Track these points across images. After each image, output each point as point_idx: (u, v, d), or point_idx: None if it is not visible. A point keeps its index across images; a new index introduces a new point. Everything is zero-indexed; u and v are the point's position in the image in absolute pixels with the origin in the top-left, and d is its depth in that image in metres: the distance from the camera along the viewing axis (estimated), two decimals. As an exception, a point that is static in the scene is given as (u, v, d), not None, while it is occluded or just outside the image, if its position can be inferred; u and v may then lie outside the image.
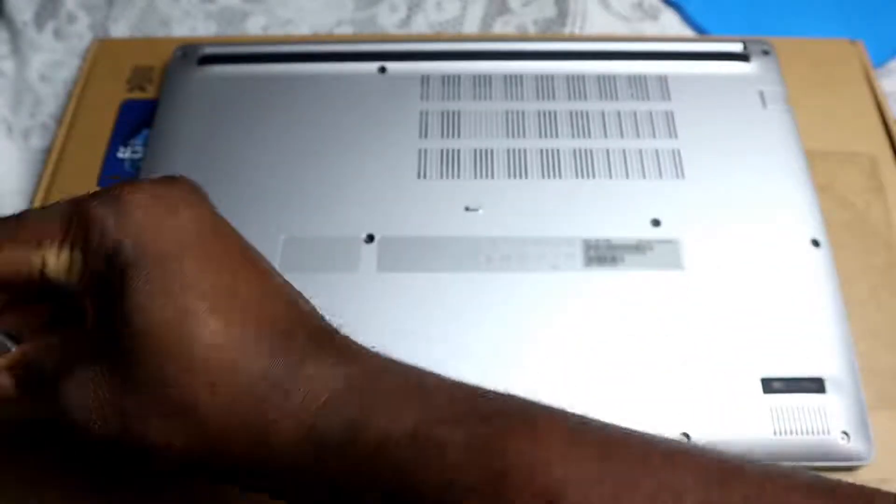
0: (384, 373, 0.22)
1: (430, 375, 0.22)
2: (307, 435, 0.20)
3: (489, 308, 0.34)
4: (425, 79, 0.41)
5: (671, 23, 0.50)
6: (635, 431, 0.20)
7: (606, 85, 0.41)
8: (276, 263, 0.35)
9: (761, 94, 0.40)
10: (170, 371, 0.20)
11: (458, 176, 0.38)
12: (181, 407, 0.20)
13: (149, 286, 0.20)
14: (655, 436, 0.20)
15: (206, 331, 0.20)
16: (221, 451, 0.20)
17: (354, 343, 0.23)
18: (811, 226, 0.36)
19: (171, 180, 0.23)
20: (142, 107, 0.42)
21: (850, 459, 0.31)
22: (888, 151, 0.40)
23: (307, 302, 0.23)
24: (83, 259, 0.21)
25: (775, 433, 0.31)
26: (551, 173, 0.38)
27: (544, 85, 0.41)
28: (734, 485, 0.18)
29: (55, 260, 0.21)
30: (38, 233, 0.22)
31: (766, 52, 0.42)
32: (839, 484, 0.19)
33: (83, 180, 0.40)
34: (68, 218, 0.21)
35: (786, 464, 0.31)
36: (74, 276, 0.22)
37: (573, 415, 0.21)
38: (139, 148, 0.41)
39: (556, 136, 0.39)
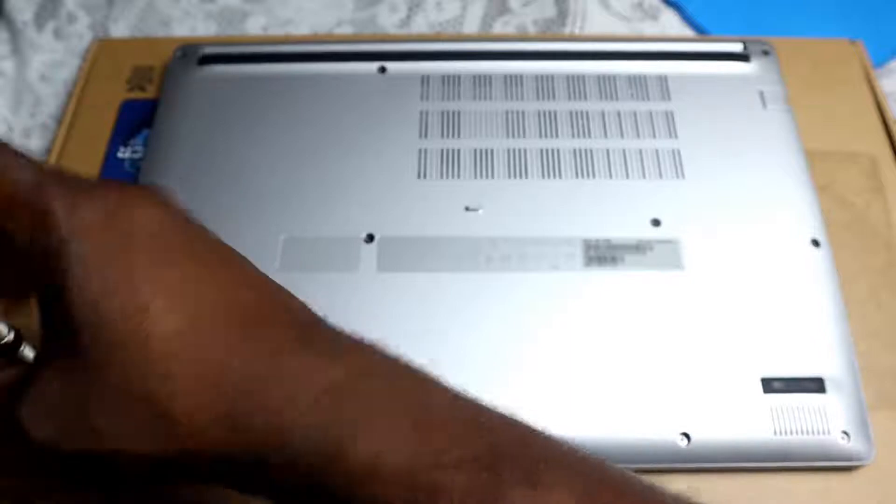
0: (374, 378, 0.20)
1: (423, 382, 0.20)
2: (282, 443, 0.18)
3: (489, 308, 0.34)
4: (425, 79, 0.41)
5: (671, 23, 0.50)
6: (633, 478, 0.19)
7: (606, 85, 0.41)
8: (276, 263, 0.35)
9: (761, 94, 0.40)
10: (122, 363, 0.18)
11: (458, 176, 0.38)
12: (147, 407, 0.18)
13: (95, 283, 0.19)
14: (654, 487, 0.19)
15: (163, 324, 0.19)
16: (196, 451, 0.19)
17: (342, 335, 0.21)
18: (811, 226, 0.36)
19: (133, 184, 0.21)
20: (142, 107, 0.42)
21: (850, 459, 0.31)
22: (888, 151, 0.40)
23: (288, 294, 0.21)
24: (30, 246, 0.20)
25: (775, 433, 0.31)
26: (551, 173, 0.38)
27: (544, 85, 0.41)
28: None
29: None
30: None
31: (766, 53, 0.42)
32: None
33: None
34: (21, 197, 0.20)
35: (783, 464, 0.31)
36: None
37: (575, 457, 0.20)
38: (139, 148, 0.41)
39: (556, 136, 0.39)
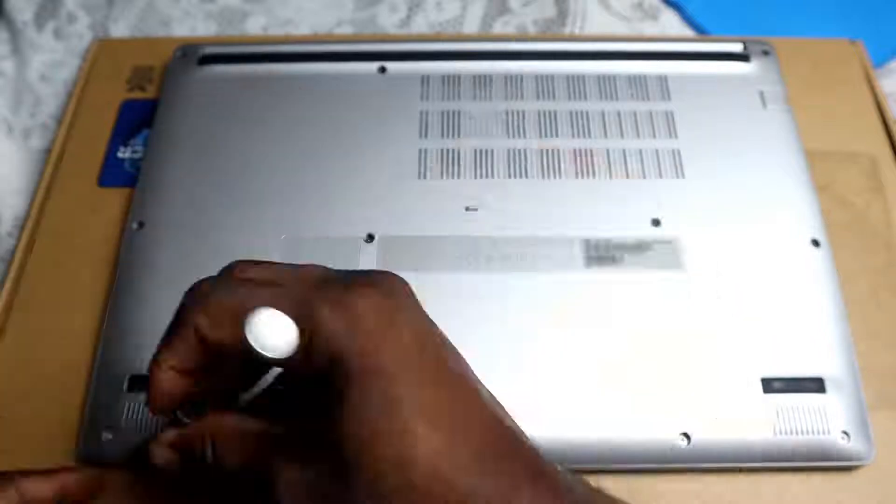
0: None
1: None
2: None
3: (489, 308, 0.34)
4: (425, 79, 0.41)
5: (671, 23, 0.50)
6: None
7: (606, 85, 0.41)
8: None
9: (761, 94, 0.40)
10: (390, 485, 0.20)
11: (458, 176, 0.38)
12: None
13: (369, 400, 0.20)
14: None
15: (427, 447, 0.20)
16: None
17: (566, 476, 0.22)
18: (811, 226, 0.36)
19: (390, 283, 0.23)
20: (142, 107, 0.42)
21: (850, 459, 0.31)
22: (888, 151, 0.40)
23: (514, 422, 0.23)
24: (303, 357, 0.21)
25: (775, 433, 0.31)
26: (551, 173, 0.38)
27: (544, 85, 0.41)
28: None
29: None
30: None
31: (766, 53, 0.42)
32: None
33: (83, 180, 0.40)
34: (294, 301, 0.22)
35: (783, 464, 0.31)
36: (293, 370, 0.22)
37: None
38: (139, 148, 0.41)
39: (556, 136, 0.39)
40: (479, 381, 0.23)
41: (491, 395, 0.23)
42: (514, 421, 0.23)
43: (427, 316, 0.23)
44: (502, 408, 0.23)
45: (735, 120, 0.39)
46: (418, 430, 0.20)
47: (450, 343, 0.23)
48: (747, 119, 0.39)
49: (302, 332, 0.21)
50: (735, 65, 0.41)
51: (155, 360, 0.24)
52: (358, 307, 0.21)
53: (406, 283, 0.23)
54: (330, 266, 0.37)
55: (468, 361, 0.32)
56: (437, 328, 0.23)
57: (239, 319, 0.21)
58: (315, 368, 0.21)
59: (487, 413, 0.22)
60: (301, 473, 0.21)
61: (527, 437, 0.22)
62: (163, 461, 0.24)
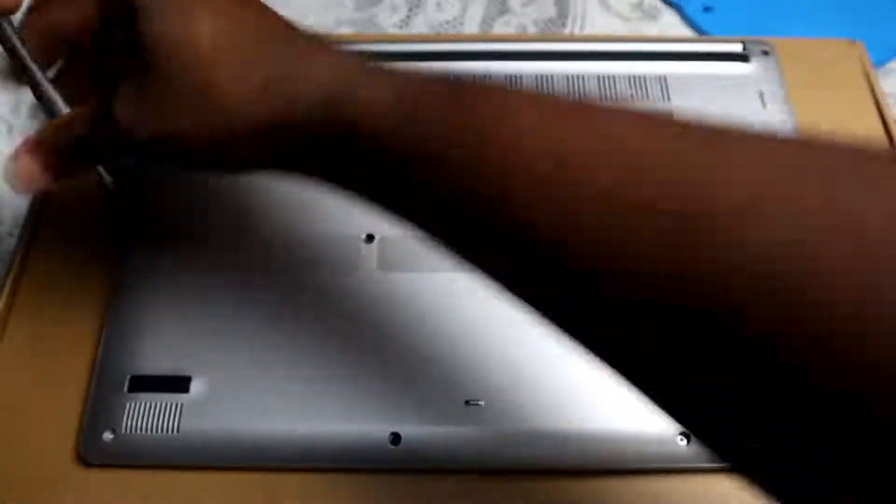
0: (369, 63, 0.24)
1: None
2: (297, 109, 0.23)
3: (489, 307, 0.34)
4: (425, 79, 0.41)
5: (671, 23, 0.50)
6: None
7: (606, 85, 0.41)
8: (276, 262, 0.35)
9: (761, 95, 0.40)
10: (183, 67, 0.24)
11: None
12: (201, 96, 0.24)
13: (155, 5, 0.24)
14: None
15: (210, 29, 0.24)
16: (238, 129, 0.24)
17: (345, 48, 0.26)
18: (811, 226, 0.36)
19: None
20: (142, 107, 0.42)
21: (850, 459, 0.31)
22: (888, 151, 0.40)
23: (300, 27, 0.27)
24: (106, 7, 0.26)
25: (775, 433, 0.31)
26: (551, 173, 0.38)
27: (544, 85, 0.41)
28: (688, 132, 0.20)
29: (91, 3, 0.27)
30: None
31: (765, 53, 0.42)
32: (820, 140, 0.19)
33: (84, 181, 0.40)
34: None
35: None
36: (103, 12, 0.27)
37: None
38: (140, 148, 0.41)
39: (556, 136, 0.39)
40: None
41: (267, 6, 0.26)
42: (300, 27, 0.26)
43: None
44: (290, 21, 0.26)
45: (735, 120, 0.39)
46: (202, 16, 0.24)
47: None
48: (747, 119, 0.39)
49: None
50: (735, 65, 0.41)
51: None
52: None
53: None
54: (330, 266, 0.37)
55: (468, 360, 0.33)
56: None
57: None
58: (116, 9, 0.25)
59: (272, 16, 0.26)
60: (123, 89, 0.25)
61: (314, 34, 0.26)
62: (24, 171, 0.28)
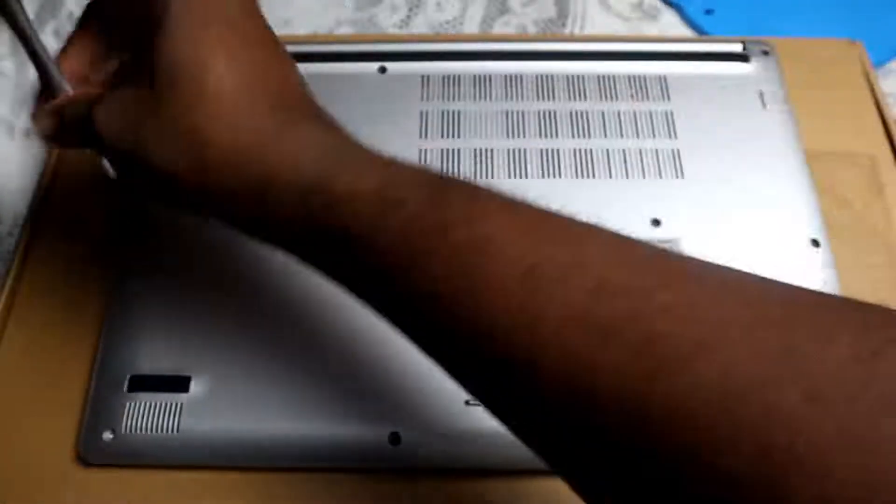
0: (358, 146, 0.25)
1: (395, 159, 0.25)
2: (280, 177, 0.23)
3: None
4: (425, 79, 0.41)
5: (671, 23, 0.50)
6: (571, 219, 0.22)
7: (606, 85, 0.41)
8: (277, 263, 0.35)
9: (761, 95, 0.40)
10: (182, 98, 0.24)
11: (459, 176, 0.38)
12: (188, 131, 0.23)
13: (179, 29, 0.24)
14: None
15: (218, 73, 0.24)
16: (218, 181, 0.24)
17: (336, 121, 0.26)
18: (811, 226, 0.36)
19: None
20: (142, 107, 0.42)
21: (850, 459, 0.31)
22: (888, 152, 0.40)
23: (303, 81, 0.27)
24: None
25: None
26: (551, 173, 0.38)
27: (544, 85, 0.41)
28: (647, 268, 0.20)
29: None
30: None
31: (765, 53, 0.42)
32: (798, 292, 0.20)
33: (84, 180, 0.40)
34: None
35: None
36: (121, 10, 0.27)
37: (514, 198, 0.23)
38: (139, 148, 0.41)
39: (556, 136, 0.39)
40: (281, 45, 0.27)
41: (289, 58, 0.27)
42: (303, 81, 0.27)
43: None
44: (297, 71, 0.27)
45: (735, 120, 0.39)
46: (216, 59, 0.24)
47: (262, 15, 0.27)
48: (747, 119, 0.39)
49: None
50: (735, 65, 0.41)
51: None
52: None
53: None
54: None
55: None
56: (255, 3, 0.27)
57: None
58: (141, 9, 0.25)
59: (280, 70, 0.26)
60: (122, 92, 0.25)
61: (311, 97, 0.27)
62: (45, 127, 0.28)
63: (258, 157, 0.23)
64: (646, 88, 0.41)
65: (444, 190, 0.22)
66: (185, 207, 0.26)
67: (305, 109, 0.26)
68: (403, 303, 0.22)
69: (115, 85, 0.26)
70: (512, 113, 0.40)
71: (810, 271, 0.35)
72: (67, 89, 0.28)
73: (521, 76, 0.41)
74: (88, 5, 0.28)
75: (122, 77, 0.26)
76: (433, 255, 0.21)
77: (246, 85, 0.24)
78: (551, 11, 0.50)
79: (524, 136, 0.39)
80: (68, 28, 0.49)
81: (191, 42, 0.24)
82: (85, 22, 0.28)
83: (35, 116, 0.29)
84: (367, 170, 0.23)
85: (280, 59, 0.26)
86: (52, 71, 0.28)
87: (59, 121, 0.28)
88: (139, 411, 0.32)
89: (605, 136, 0.39)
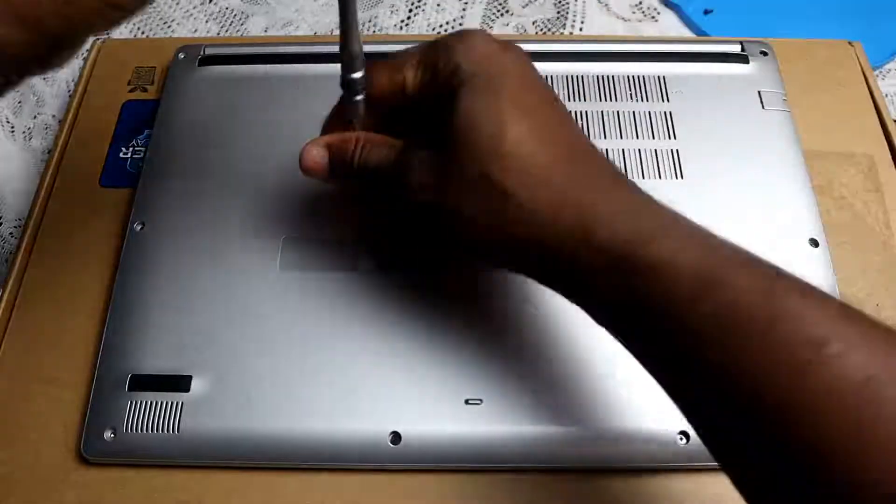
0: (664, 209, 0.25)
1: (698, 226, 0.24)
2: (590, 234, 0.23)
3: (489, 306, 0.34)
4: (425, 79, 0.41)
5: (671, 24, 0.50)
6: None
7: (606, 85, 0.41)
8: (277, 263, 0.35)
9: (760, 95, 0.40)
10: (483, 156, 0.25)
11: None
12: (487, 188, 0.25)
13: (475, 95, 0.26)
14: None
15: (516, 132, 0.25)
16: (516, 234, 0.25)
17: (623, 174, 0.27)
18: (809, 226, 0.36)
19: (500, 41, 0.28)
20: (143, 107, 0.42)
21: (849, 458, 0.31)
22: (886, 152, 0.40)
23: (585, 137, 0.28)
24: (431, 77, 0.28)
25: (774, 432, 0.31)
26: (551, 174, 0.38)
27: (544, 86, 0.41)
28: None
29: (412, 76, 0.29)
30: (403, 60, 0.29)
31: (764, 53, 0.42)
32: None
33: (85, 181, 0.40)
34: (424, 48, 0.29)
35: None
36: (423, 90, 0.28)
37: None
38: (141, 148, 0.41)
39: (556, 136, 0.39)
40: (560, 102, 0.28)
41: (565, 109, 0.28)
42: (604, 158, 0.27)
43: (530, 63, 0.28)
44: (593, 146, 0.27)
45: (734, 121, 0.39)
46: (512, 118, 0.25)
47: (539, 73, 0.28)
48: (746, 120, 0.39)
49: (430, 57, 0.28)
50: (734, 66, 0.41)
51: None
52: (474, 36, 0.28)
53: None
54: (329, 266, 0.37)
55: (468, 358, 0.33)
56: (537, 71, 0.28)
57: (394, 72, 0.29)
58: (439, 87, 0.27)
59: (575, 133, 0.27)
60: (425, 153, 0.27)
61: (613, 166, 0.27)
62: (314, 157, 0.30)
63: (560, 211, 0.24)
64: (645, 88, 0.41)
65: (773, 277, 0.22)
66: (482, 259, 0.28)
67: (599, 164, 0.26)
68: (702, 380, 0.22)
69: (415, 142, 0.28)
70: (511, 113, 0.40)
71: (809, 271, 0.35)
72: (356, 124, 0.30)
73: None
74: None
75: (429, 140, 0.27)
76: (755, 348, 0.20)
77: (540, 140, 0.25)
78: (551, 12, 0.50)
79: (524, 137, 0.39)
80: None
81: (486, 105, 0.25)
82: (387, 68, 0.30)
83: (310, 145, 0.31)
84: (685, 237, 0.23)
85: (564, 115, 0.27)
86: (358, 66, 0.29)
87: (346, 159, 0.30)
88: (140, 411, 0.32)
89: (605, 136, 0.39)
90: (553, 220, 0.24)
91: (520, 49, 0.28)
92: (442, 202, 0.26)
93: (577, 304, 0.26)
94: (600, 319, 0.25)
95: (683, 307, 0.21)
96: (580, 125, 0.39)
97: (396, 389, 0.32)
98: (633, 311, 0.23)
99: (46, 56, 0.24)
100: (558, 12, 0.50)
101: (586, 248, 0.23)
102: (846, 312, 0.21)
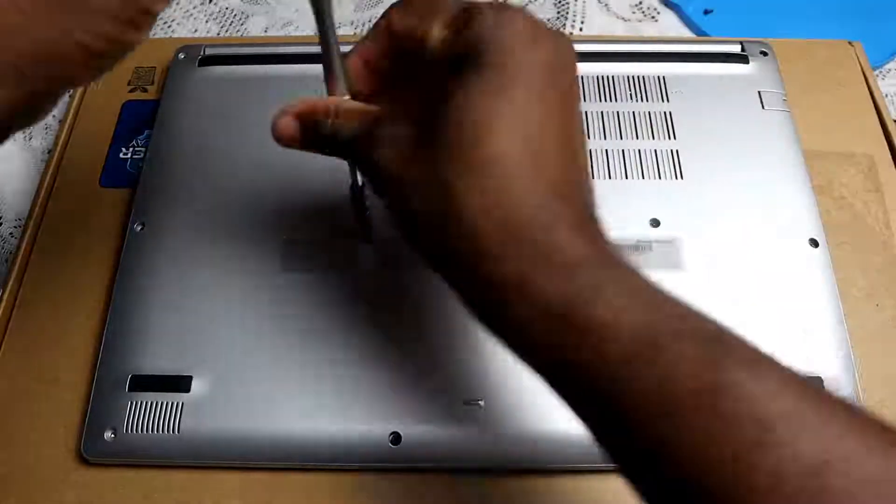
0: (617, 265, 0.23)
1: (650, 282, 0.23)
2: (530, 286, 0.21)
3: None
4: (425, 80, 0.41)
5: (671, 24, 0.50)
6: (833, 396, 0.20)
7: (606, 85, 0.41)
8: (277, 263, 0.35)
9: (760, 95, 0.40)
10: (461, 158, 0.22)
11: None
12: (444, 196, 0.22)
13: (478, 88, 0.22)
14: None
15: (506, 142, 0.22)
16: (456, 252, 0.22)
17: (601, 231, 0.24)
18: (809, 226, 0.36)
19: (561, 34, 0.25)
20: (143, 107, 0.42)
21: (848, 458, 0.31)
22: (886, 152, 0.40)
23: (590, 189, 0.25)
24: (453, 41, 0.24)
25: (773, 432, 0.31)
26: (551, 174, 0.38)
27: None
28: None
29: (437, 33, 0.25)
30: (435, 9, 0.25)
31: (764, 54, 0.42)
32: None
33: (85, 181, 0.40)
34: (462, 6, 0.25)
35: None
36: (441, 51, 0.25)
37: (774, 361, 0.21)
38: (141, 149, 0.41)
39: (556, 136, 0.39)
40: (579, 142, 0.25)
41: (585, 160, 0.25)
42: (590, 189, 0.25)
43: (574, 70, 0.25)
44: (588, 178, 0.25)
45: (734, 121, 0.39)
46: (507, 125, 0.22)
47: (575, 100, 0.25)
48: (746, 120, 0.39)
49: (461, 20, 0.24)
50: (734, 66, 0.41)
51: (351, 50, 0.28)
52: (516, 18, 0.24)
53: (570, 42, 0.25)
54: (330, 266, 0.37)
55: (468, 358, 0.33)
56: (574, 83, 0.25)
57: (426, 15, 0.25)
58: (453, 51, 0.24)
59: (567, 162, 0.24)
60: (400, 128, 0.24)
61: (592, 204, 0.25)
62: (283, 128, 0.28)
63: (515, 243, 0.22)
64: (645, 88, 0.41)
65: (715, 344, 0.20)
66: (419, 253, 0.25)
67: (578, 208, 0.23)
68: (637, 449, 0.20)
69: (393, 116, 0.25)
70: (511, 113, 0.40)
71: (809, 271, 0.35)
72: (343, 90, 0.28)
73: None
74: (385, 19, 0.27)
75: (398, 112, 0.25)
76: (695, 420, 0.19)
77: (521, 166, 0.22)
78: (551, 11, 0.50)
79: (524, 137, 0.39)
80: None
81: (485, 106, 0.22)
82: (378, 35, 0.28)
83: (279, 115, 0.28)
84: (629, 297, 0.21)
85: (568, 137, 0.24)
86: (337, 67, 0.28)
87: (321, 128, 0.28)
88: (140, 411, 0.32)
89: (605, 136, 0.39)
90: (501, 248, 0.22)
91: (562, 43, 0.24)
92: (397, 187, 0.24)
93: (509, 348, 0.23)
94: (531, 366, 0.23)
95: (618, 370, 0.20)
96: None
97: (396, 390, 0.32)
98: (564, 367, 0.21)
99: (24, 114, 0.23)
100: (558, 12, 0.50)
101: (526, 293, 0.21)
102: (797, 385, 0.20)
